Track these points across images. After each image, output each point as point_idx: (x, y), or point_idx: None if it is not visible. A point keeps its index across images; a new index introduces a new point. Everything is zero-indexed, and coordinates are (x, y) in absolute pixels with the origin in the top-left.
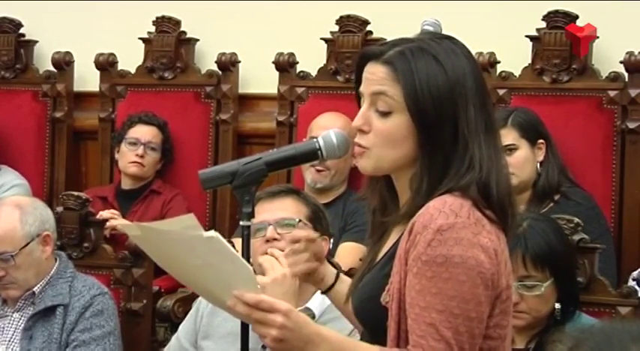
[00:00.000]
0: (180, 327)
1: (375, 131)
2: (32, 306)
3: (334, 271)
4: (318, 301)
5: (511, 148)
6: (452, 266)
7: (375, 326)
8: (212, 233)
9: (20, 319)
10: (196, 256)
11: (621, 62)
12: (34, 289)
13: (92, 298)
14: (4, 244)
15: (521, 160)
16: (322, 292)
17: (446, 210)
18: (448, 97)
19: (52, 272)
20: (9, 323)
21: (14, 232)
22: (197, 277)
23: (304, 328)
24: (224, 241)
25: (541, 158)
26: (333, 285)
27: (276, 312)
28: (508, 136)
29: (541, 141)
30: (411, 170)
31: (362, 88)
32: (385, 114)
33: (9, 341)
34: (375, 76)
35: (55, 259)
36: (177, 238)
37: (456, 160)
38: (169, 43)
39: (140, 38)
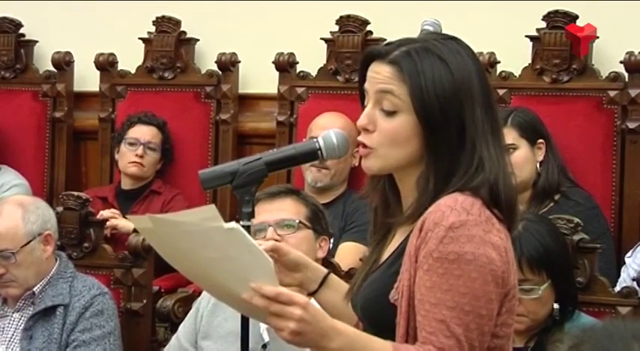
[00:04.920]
0: (180, 327)
1: (380, 131)
2: (32, 306)
3: (319, 278)
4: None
5: (510, 148)
6: (464, 263)
7: (382, 324)
8: (233, 224)
9: (20, 319)
10: (213, 248)
11: (621, 62)
12: (34, 289)
13: (92, 299)
14: (5, 241)
15: (521, 160)
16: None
17: (457, 208)
18: (454, 97)
19: (52, 272)
20: (9, 323)
21: (16, 229)
22: (209, 271)
23: (321, 322)
24: (245, 232)
25: (541, 158)
26: (316, 291)
27: (294, 305)
28: (508, 135)
29: (541, 141)
30: (417, 170)
31: (366, 87)
32: (390, 113)
33: (9, 341)
34: (381, 75)
35: (56, 260)
36: (194, 229)
37: (463, 160)
38: (169, 43)
39: (140, 38)
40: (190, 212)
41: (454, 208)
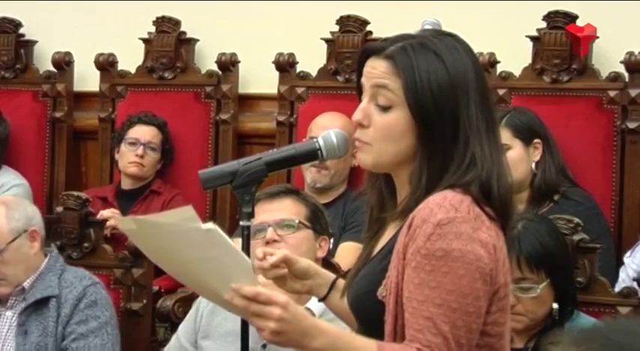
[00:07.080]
0: (180, 327)
1: (375, 126)
2: (23, 302)
3: (328, 283)
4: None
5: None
6: (451, 260)
7: (371, 321)
8: (210, 225)
9: (13, 316)
10: (194, 249)
11: (621, 62)
12: (24, 285)
13: (85, 289)
14: None
15: (514, 160)
16: (319, 301)
17: (446, 205)
18: (448, 92)
19: (41, 268)
20: (2, 321)
21: (1, 227)
22: (194, 271)
23: (302, 321)
24: (222, 233)
25: (537, 158)
26: (326, 296)
27: (273, 304)
28: (501, 135)
29: (537, 141)
30: (410, 166)
31: (363, 82)
32: (385, 108)
33: (4, 339)
34: (376, 70)
35: (45, 255)
36: (174, 230)
37: (456, 156)
38: (169, 43)
39: (140, 38)
40: (170, 213)
41: (442, 205)
